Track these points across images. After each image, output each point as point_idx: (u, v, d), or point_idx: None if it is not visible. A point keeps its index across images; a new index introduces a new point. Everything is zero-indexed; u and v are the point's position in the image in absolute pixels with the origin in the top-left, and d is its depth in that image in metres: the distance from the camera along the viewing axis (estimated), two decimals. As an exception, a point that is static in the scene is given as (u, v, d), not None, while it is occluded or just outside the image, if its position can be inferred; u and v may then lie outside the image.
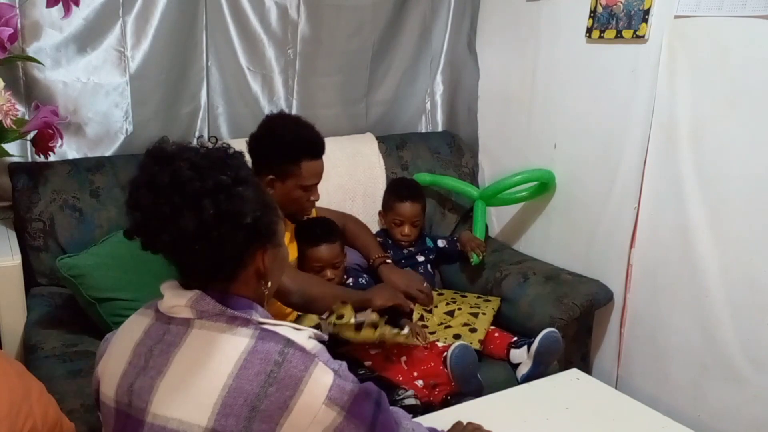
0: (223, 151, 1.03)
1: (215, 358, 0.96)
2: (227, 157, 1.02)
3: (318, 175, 1.82)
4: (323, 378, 0.95)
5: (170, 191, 0.94)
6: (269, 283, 1.07)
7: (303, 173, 1.77)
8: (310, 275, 1.87)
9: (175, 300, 1.01)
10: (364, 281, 2.09)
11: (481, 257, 2.25)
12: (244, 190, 0.98)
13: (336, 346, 1.66)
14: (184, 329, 1.00)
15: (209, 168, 0.97)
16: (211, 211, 0.94)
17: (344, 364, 1.01)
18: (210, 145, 1.04)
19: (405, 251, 2.25)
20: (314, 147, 1.79)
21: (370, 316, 1.69)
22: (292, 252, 1.91)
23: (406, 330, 1.73)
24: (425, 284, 2.05)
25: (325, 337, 1.03)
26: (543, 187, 2.36)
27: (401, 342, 1.74)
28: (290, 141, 1.77)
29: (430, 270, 2.30)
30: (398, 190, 2.32)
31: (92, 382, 1.12)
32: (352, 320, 1.66)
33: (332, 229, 1.98)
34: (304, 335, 0.99)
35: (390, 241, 2.29)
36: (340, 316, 1.66)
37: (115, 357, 1.05)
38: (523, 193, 2.39)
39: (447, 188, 2.53)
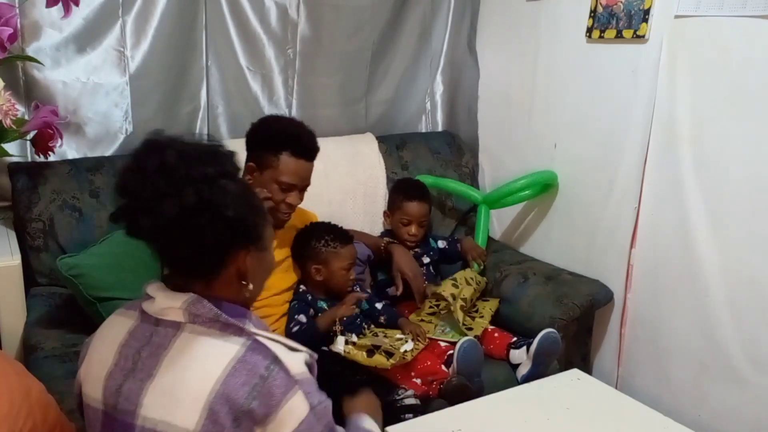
0: (215, 146, 1.04)
1: (205, 362, 0.96)
2: (217, 152, 1.02)
3: (296, 174, 1.75)
4: (298, 408, 0.95)
5: (156, 176, 0.95)
6: (250, 286, 1.05)
7: (280, 167, 1.72)
8: None
9: (169, 302, 1.00)
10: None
11: (482, 266, 2.26)
12: (227, 183, 0.98)
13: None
14: (173, 332, 1.00)
15: (197, 159, 0.98)
16: (192, 199, 0.94)
17: (328, 402, 1.00)
18: (204, 141, 1.05)
19: (411, 252, 2.24)
20: (298, 144, 1.75)
21: (384, 341, 1.74)
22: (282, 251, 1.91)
23: (410, 345, 1.76)
24: (417, 280, 2.10)
25: (315, 355, 1.03)
26: (545, 187, 2.36)
27: (409, 359, 1.76)
28: (276, 131, 1.78)
29: (432, 271, 2.30)
30: (406, 189, 2.31)
31: (74, 386, 1.12)
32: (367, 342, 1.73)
33: (346, 231, 1.98)
34: (295, 357, 0.98)
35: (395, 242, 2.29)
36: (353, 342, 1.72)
37: (98, 358, 1.05)
38: (526, 192, 2.38)
39: (449, 191, 2.53)
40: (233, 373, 0.94)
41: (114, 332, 1.05)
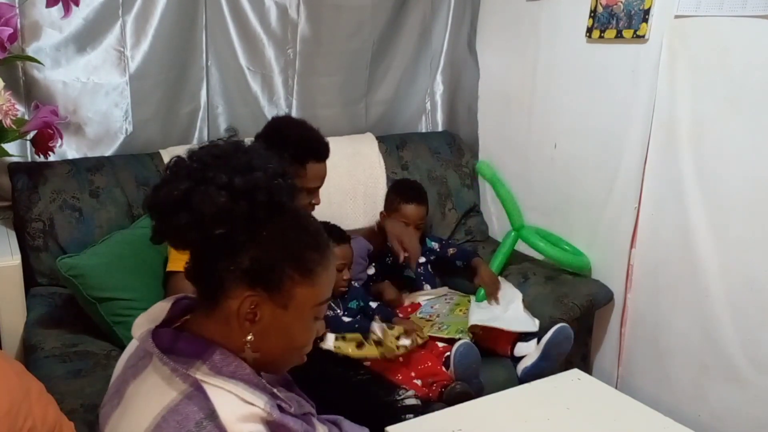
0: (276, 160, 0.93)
1: (143, 405, 0.87)
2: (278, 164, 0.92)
3: (322, 178, 1.82)
4: None
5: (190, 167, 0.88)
6: (249, 336, 0.89)
7: (308, 175, 1.76)
8: None
9: (135, 329, 0.93)
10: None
11: (488, 299, 2.14)
12: (278, 187, 0.89)
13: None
14: (147, 362, 0.91)
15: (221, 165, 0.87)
16: (225, 179, 0.85)
17: None
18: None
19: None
20: (320, 150, 1.79)
21: (375, 333, 1.74)
22: None
23: (406, 341, 1.75)
24: (412, 240, 2.06)
25: (309, 408, 0.93)
26: (576, 264, 2.25)
27: (402, 353, 1.75)
28: (297, 142, 1.76)
29: (430, 270, 2.30)
30: (404, 191, 2.29)
31: None
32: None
33: (343, 231, 1.98)
34: (243, 412, 0.85)
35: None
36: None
37: (114, 371, 1.00)
38: (556, 254, 2.24)
39: (499, 198, 2.42)
40: (161, 425, 0.83)
41: (131, 345, 0.99)
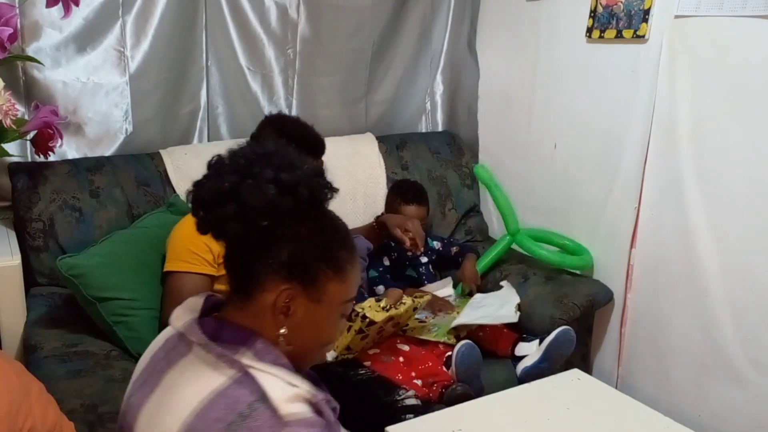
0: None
1: (189, 390, 0.88)
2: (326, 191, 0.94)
3: None
4: None
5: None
6: (283, 329, 0.92)
7: None
8: None
9: (176, 322, 0.96)
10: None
11: (469, 291, 2.20)
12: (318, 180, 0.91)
13: None
14: (185, 350, 0.94)
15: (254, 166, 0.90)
16: (271, 175, 0.88)
17: None
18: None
19: (409, 253, 2.24)
20: (317, 147, 1.80)
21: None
22: None
23: (389, 311, 1.74)
24: (415, 224, 2.06)
25: (320, 396, 0.92)
26: (576, 264, 2.25)
27: (381, 313, 1.73)
28: (294, 140, 1.77)
29: (431, 270, 2.30)
30: (404, 192, 2.28)
31: None
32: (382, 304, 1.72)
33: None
34: (290, 393, 0.87)
35: (392, 243, 2.28)
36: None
37: (139, 363, 1.02)
38: (551, 257, 2.24)
39: (495, 203, 2.42)
40: (209, 406, 0.85)
41: (159, 338, 1.02)
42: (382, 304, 1.75)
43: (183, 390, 0.89)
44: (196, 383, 0.88)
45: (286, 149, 0.95)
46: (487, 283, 2.29)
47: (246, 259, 0.92)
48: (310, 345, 0.97)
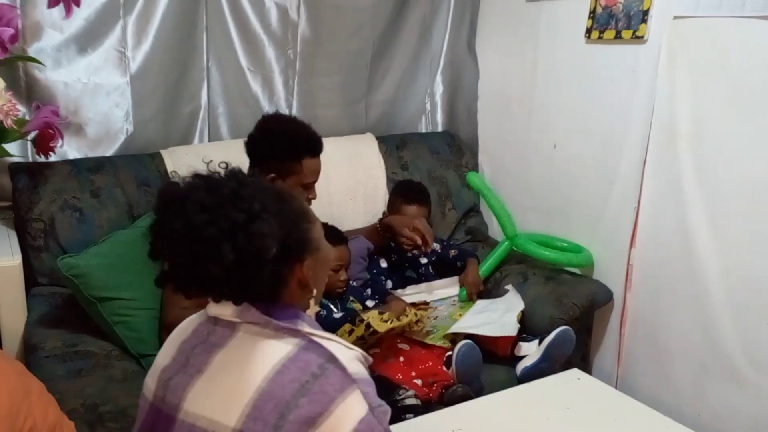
0: (234, 180, 0.98)
1: (255, 361, 0.94)
2: (239, 187, 0.96)
3: (317, 172, 1.84)
4: (357, 407, 0.91)
5: (187, 240, 0.92)
6: (314, 291, 1.05)
7: (304, 171, 1.79)
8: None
9: (219, 310, 1.00)
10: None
11: (470, 298, 2.18)
12: (261, 224, 0.93)
13: None
14: (229, 332, 0.99)
15: (220, 206, 0.93)
16: (231, 257, 0.91)
17: (387, 408, 0.96)
18: (221, 172, 0.99)
19: (409, 254, 2.24)
20: (314, 144, 1.82)
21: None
22: None
23: (392, 324, 1.75)
24: (422, 222, 2.06)
25: (371, 359, 1.00)
26: (577, 265, 2.25)
27: (384, 325, 1.75)
28: (291, 139, 1.79)
29: (431, 271, 2.30)
30: (406, 192, 2.28)
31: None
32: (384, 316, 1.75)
33: (340, 232, 1.98)
34: (351, 355, 0.95)
35: (393, 244, 2.26)
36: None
37: (163, 353, 1.06)
38: (552, 256, 2.24)
39: (490, 209, 2.41)
40: (282, 371, 0.91)
41: (183, 329, 1.06)
42: (385, 317, 1.76)
43: (246, 363, 0.94)
44: (261, 354, 0.94)
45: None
46: (488, 284, 2.29)
47: (252, 275, 0.95)
48: (322, 288, 1.10)
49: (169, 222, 0.94)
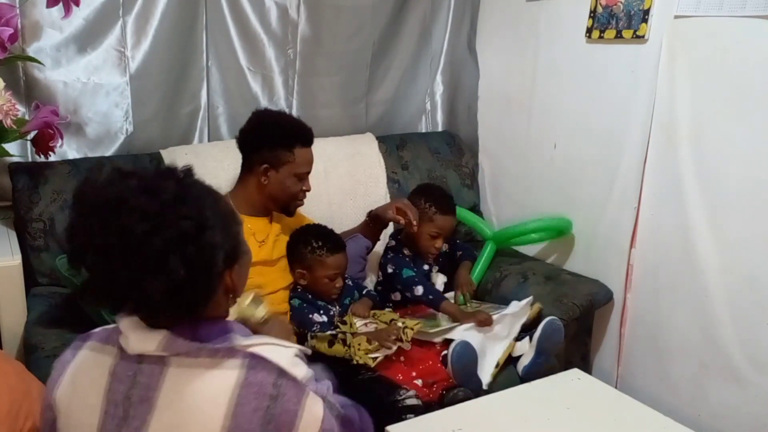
0: (173, 180, 0.87)
1: (205, 399, 0.86)
2: (181, 190, 0.86)
3: (310, 162, 1.86)
4: (314, 409, 0.89)
5: (124, 253, 0.81)
6: (237, 298, 0.99)
7: (297, 160, 1.81)
8: None
9: (142, 345, 0.88)
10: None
11: (467, 300, 2.15)
12: (212, 234, 0.85)
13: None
14: (159, 368, 0.88)
15: (164, 213, 0.82)
16: (181, 272, 0.82)
17: (329, 384, 0.95)
18: (151, 172, 0.89)
19: (425, 266, 2.16)
20: (305, 134, 1.85)
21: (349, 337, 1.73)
22: (280, 249, 1.91)
23: (375, 354, 1.72)
24: (405, 201, 2.05)
25: (308, 351, 0.97)
26: (559, 233, 2.29)
27: (370, 359, 1.71)
28: (282, 128, 1.84)
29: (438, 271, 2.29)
30: (440, 201, 2.12)
31: (43, 410, 0.98)
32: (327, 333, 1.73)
33: (339, 238, 1.96)
34: (292, 358, 0.90)
35: (406, 250, 2.13)
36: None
37: (84, 404, 0.92)
38: (537, 236, 2.31)
39: (461, 219, 2.41)
40: (240, 402, 0.85)
41: (95, 375, 0.92)
42: (372, 347, 1.71)
43: (197, 403, 0.86)
44: (209, 389, 0.86)
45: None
46: (486, 283, 2.28)
47: (199, 290, 0.88)
48: (246, 279, 1.01)
49: (99, 230, 0.81)
